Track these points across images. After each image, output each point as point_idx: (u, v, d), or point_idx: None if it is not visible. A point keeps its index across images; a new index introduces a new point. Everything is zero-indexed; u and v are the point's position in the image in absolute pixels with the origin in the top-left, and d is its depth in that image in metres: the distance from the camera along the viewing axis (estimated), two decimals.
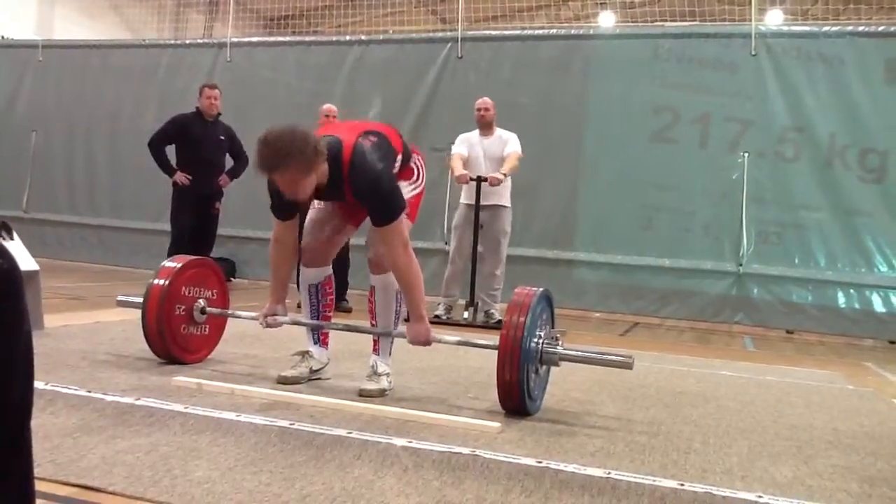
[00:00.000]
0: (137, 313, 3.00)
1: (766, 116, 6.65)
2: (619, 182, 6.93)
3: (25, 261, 3.61)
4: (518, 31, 8.25)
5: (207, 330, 3.14)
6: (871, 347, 6.12)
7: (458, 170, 5.36)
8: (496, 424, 2.33)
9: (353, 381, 2.87)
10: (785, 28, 7.69)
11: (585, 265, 7.01)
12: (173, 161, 6.35)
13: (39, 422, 2.01)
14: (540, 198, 6.97)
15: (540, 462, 1.97)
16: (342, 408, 2.43)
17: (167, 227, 6.44)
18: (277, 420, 2.19)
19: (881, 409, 3.27)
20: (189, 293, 3.03)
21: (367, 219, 2.73)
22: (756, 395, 3.35)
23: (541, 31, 8.20)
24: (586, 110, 7.12)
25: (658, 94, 6.91)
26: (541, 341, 2.54)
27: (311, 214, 2.92)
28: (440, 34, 8.41)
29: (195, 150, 6.24)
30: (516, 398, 2.45)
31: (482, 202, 5.34)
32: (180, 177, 6.20)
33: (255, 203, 7.37)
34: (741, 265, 6.59)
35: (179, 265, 3.02)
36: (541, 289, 2.59)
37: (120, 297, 3.18)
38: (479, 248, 5.44)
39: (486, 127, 5.51)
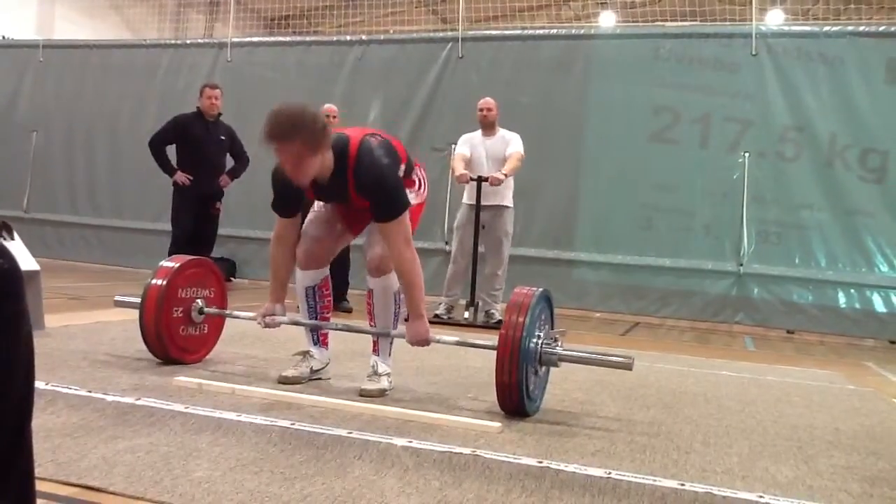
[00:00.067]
0: (138, 313, 2.99)
1: (767, 116, 6.65)
2: (620, 182, 6.93)
3: (26, 261, 3.61)
4: (519, 31, 8.24)
5: (206, 329, 3.14)
6: (871, 347, 6.12)
7: (459, 170, 5.36)
8: (497, 424, 2.33)
9: (353, 381, 2.87)
10: (785, 28, 7.69)
11: (586, 265, 7.01)
12: (174, 161, 6.36)
13: (40, 422, 2.01)
14: (540, 198, 6.97)
15: (540, 462, 1.97)
16: (343, 408, 2.43)
17: (168, 227, 6.44)
18: (278, 420, 2.19)
19: (882, 408, 3.27)
20: (186, 294, 3.02)
21: (365, 226, 2.73)
22: (757, 394, 3.35)
23: (541, 31, 8.20)
24: (587, 110, 7.12)
25: (658, 94, 6.91)
26: (540, 342, 2.52)
27: (310, 217, 2.91)
28: (441, 34, 8.41)
29: (196, 150, 6.25)
30: (515, 399, 2.44)
31: (484, 202, 5.33)
32: (181, 177, 6.20)
33: (255, 203, 7.41)
34: (742, 265, 6.59)
35: (176, 266, 3.00)
36: (540, 289, 2.58)
37: (117, 298, 3.18)
38: (481, 249, 5.44)
39: (488, 127, 5.51)
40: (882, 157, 6.38)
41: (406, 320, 2.74)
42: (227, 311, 3.16)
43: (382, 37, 8.48)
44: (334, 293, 5.92)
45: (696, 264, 6.71)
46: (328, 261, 2.91)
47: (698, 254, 6.72)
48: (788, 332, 6.54)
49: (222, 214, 6.60)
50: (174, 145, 6.36)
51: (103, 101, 8.83)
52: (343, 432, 2.10)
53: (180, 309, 2.99)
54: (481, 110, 5.51)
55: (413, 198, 2.79)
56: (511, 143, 5.42)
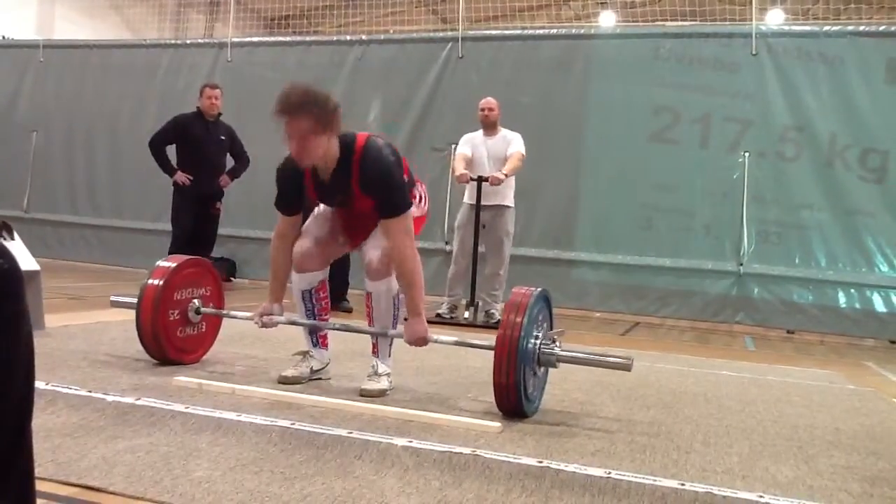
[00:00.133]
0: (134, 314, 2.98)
1: (767, 116, 6.65)
2: (620, 182, 6.93)
3: (26, 261, 3.61)
4: (519, 31, 8.25)
5: (204, 328, 3.13)
6: (871, 347, 6.12)
7: (459, 169, 5.36)
8: (497, 424, 2.33)
9: (353, 381, 2.87)
10: (785, 28, 7.69)
11: (586, 265, 7.01)
12: (174, 161, 6.36)
13: (40, 422, 2.01)
14: (540, 198, 6.97)
15: (541, 462, 1.97)
16: (343, 408, 2.43)
17: (168, 227, 6.44)
18: (278, 420, 2.19)
19: (882, 408, 3.27)
20: (182, 296, 2.99)
21: (364, 237, 2.73)
22: (757, 394, 3.35)
23: (541, 31, 8.20)
24: (587, 110, 7.12)
25: (658, 94, 6.91)
26: (538, 342, 2.51)
27: (309, 220, 2.90)
28: (441, 34, 8.41)
29: (196, 150, 6.25)
30: (513, 399, 2.43)
31: (485, 202, 5.33)
32: (181, 177, 6.20)
33: (256, 203, 7.41)
34: (742, 265, 6.59)
35: (172, 266, 2.97)
36: (539, 289, 2.57)
37: (113, 298, 3.17)
38: (482, 248, 5.44)
39: (489, 127, 5.50)
40: (882, 157, 6.38)
41: (406, 320, 2.74)
42: (224, 311, 3.15)
43: (382, 37, 8.48)
44: (334, 293, 5.92)
45: (696, 264, 6.71)
46: (324, 264, 2.88)
47: (698, 254, 6.72)
48: (788, 332, 6.54)
49: (222, 214, 6.60)
50: (174, 145, 6.36)
51: (103, 101, 8.83)
52: (343, 432, 2.10)
53: (177, 311, 2.97)
54: (482, 110, 5.50)
55: (414, 210, 2.77)
56: (512, 143, 5.41)
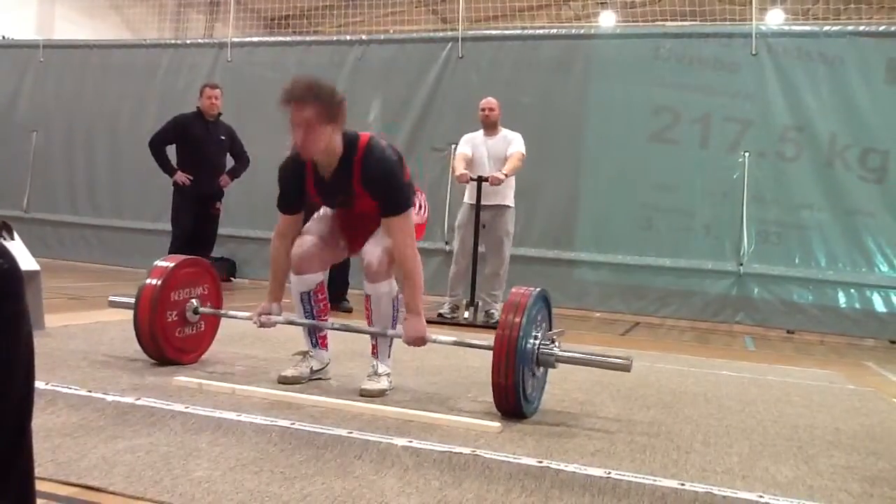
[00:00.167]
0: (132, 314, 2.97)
1: (767, 116, 6.65)
2: (620, 182, 6.94)
3: (26, 261, 3.61)
4: (519, 31, 8.25)
5: (203, 326, 3.12)
6: (871, 347, 6.12)
7: (459, 169, 5.36)
8: (496, 424, 2.33)
9: (353, 381, 2.87)
10: (785, 28, 7.70)
11: (586, 265, 7.02)
12: (174, 161, 6.36)
13: (40, 422, 2.01)
14: (540, 198, 6.97)
15: (540, 462, 1.97)
16: (343, 408, 2.43)
17: (168, 227, 6.44)
18: (278, 420, 2.19)
19: (882, 408, 3.27)
20: (179, 297, 2.98)
21: (363, 242, 2.73)
22: (757, 394, 3.35)
23: (541, 31, 8.20)
24: (587, 110, 7.12)
25: (658, 94, 6.91)
26: (537, 343, 2.51)
27: (310, 223, 2.89)
28: (441, 34, 8.41)
29: (196, 150, 6.25)
30: (512, 400, 2.42)
31: (485, 202, 5.33)
32: (181, 177, 6.21)
33: (256, 203, 7.42)
34: (742, 265, 6.59)
35: (170, 266, 2.96)
36: (537, 289, 2.56)
37: (111, 298, 3.17)
38: (482, 248, 5.44)
39: (490, 127, 5.50)
40: (882, 157, 6.38)
41: (405, 319, 2.73)
42: (223, 311, 3.14)
43: (382, 37, 8.48)
44: (335, 293, 5.92)
45: (696, 264, 6.71)
46: (323, 268, 2.87)
47: (698, 254, 6.72)
48: (788, 331, 6.54)
49: (222, 214, 6.61)
50: (174, 145, 6.36)
51: (103, 101, 8.83)
52: (343, 432, 2.10)
53: (174, 313, 2.96)
54: (483, 110, 5.50)
55: (414, 217, 2.78)
56: (513, 142, 5.41)
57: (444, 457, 1.96)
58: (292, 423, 2.16)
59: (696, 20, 8.13)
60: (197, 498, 1.61)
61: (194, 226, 6.24)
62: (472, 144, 5.51)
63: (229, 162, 6.50)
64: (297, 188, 2.75)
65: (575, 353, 2.63)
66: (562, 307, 6.35)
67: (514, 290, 2.57)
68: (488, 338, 2.57)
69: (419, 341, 2.63)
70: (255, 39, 9.32)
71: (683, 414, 2.80)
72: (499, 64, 7.42)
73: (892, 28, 6.61)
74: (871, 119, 6.39)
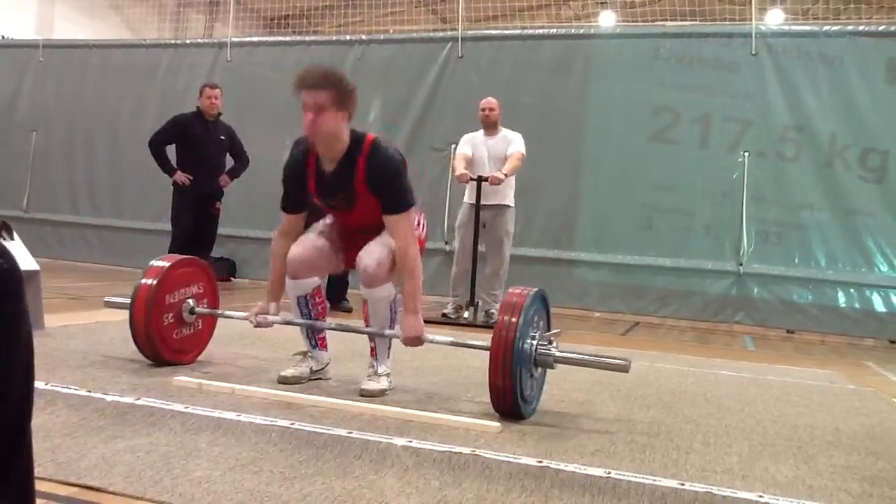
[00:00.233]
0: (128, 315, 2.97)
1: (767, 116, 6.65)
2: (620, 182, 6.93)
3: (26, 261, 3.61)
4: (518, 31, 8.25)
5: (200, 325, 3.11)
6: (871, 347, 6.12)
7: (459, 169, 5.36)
8: (496, 424, 2.33)
9: (353, 381, 2.87)
10: (785, 28, 7.69)
11: (586, 265, 7.01)
12: (174, 161, 6.35)
13: (40, 422, 2.01)
14: (541, 198, 6.97)
15: (540, 462, 1.97)
16: (342, 408, 2.43)
17: (168, 226, 6.44)
18: (278, 420, 2.19)
19: (882, 408, 3.27)
20: (175, 299, 2.97)
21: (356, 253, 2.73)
22: (756, 394, 3.35)
23: (541, 31, 8.19)
24: (587, 110, 7.12)
25: (658, 94, 6.91)
26: (534, 343, 2.50)
27: (309, 231, 2.88)
28: (440, 34, 8.41)
29: (196, 149, 6.24)
30: (510, 401, 2.41)
31: (485, 202, 5.33)
32: (181, 176, 6.20)
33: (255, 203, 7.42)
34: (741, 265, 6.59)
35: (165, 266, 2.94)
36: (535, 289, 2.56)
37: (107, 298, 3.16)
38: (482, 248, 5.44)
39: (490, 127, 5.50)
40: (882, 157, 6.38)
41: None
42: (219, 311, 3.12)
43: (382, 37, 8.48)
44: (335, 293, 5.92)
45: (696, 264, 6.71)
46: (317, 273, 2.87)
47: (698, 254, 6.72)
48: (788, 331, 6.54)
49: (222, 214, 6.60)
50: (174, 145, 6.36)
51: (103, 101, 8.83)
52: (343, 432, 2.10)
53: (171, 315, 2.95)
54: (483, 110, 5.50)
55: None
56: (513, 142, 5.41)
57: (444, 457, 1.96)
58: (292, 423, 2.16)
59: (695, 20, 8.13)
60: (197, 498, 1.61)
61: (194, 226, 6.23)
62: (472, 144, 5.50)
63: (229, 162, 6.49)
64: (300, 187, 2.77)
65: (573, 353, 2.63)
66: (562, 307, 6.35)
67: (510, 290, 2.56)
68: (487, 338, 2.57)
69: (416, 341, 2.63)
70: (255, 39, 9.31)
71: (683, 414, 2.80)
72: (499, 64, 7.42)
73: (892, 28, 6.60)
74: (870, 119, 6.39)
